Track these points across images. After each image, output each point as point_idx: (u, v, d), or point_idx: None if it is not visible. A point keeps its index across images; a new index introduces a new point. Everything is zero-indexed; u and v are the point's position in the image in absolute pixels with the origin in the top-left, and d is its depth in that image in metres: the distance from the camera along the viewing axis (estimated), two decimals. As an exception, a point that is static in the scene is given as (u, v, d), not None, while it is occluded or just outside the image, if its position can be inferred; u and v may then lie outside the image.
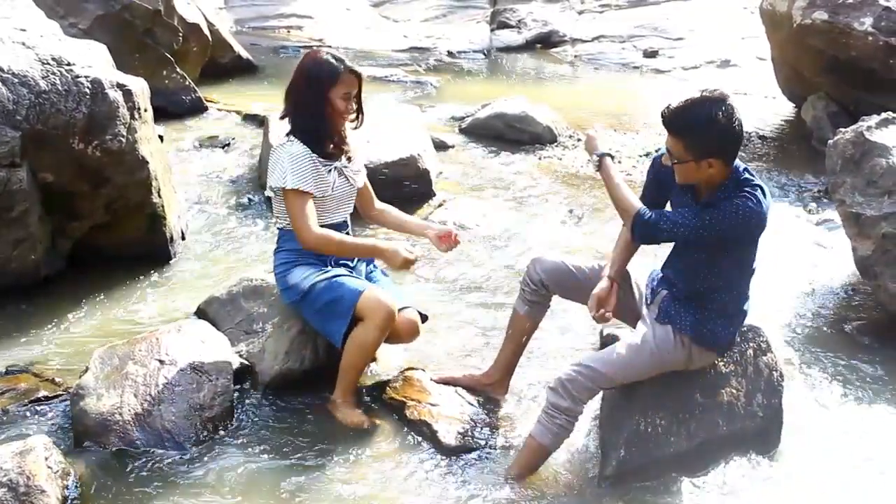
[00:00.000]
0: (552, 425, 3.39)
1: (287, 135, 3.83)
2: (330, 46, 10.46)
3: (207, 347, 3.85)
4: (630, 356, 3.41)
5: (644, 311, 3.57)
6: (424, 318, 3.95)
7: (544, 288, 3.75)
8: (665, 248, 3.65)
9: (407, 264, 3.80)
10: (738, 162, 3.30)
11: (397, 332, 3.79)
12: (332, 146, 3.82)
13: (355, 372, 3.76)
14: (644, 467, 3.47)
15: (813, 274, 5.26)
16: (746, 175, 3.28)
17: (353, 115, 3.83)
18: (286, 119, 3.85)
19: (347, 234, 3.96)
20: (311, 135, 3.76)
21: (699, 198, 3.36)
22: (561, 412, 3.37)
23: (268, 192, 3.89)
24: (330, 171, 3.80)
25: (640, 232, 3.37)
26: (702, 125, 3.16)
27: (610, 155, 3.48)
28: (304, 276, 3.78)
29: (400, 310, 3.75)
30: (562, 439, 3.45)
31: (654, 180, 3.58)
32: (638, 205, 3.36)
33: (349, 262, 3.90)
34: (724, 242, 3.27)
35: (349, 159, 3.91)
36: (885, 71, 7.07)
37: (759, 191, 3.24)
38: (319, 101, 3.72)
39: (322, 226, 3.77)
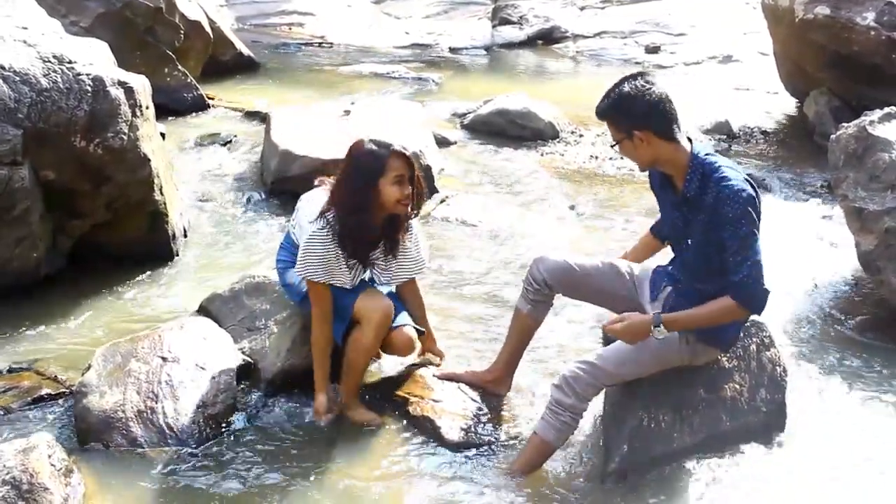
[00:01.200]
0: (556, 422, 3.38)
1: (323, 215, 3.59)
2: (332, 44, 10.54)
3: (210, 344, 3.86)
4: (634, 353, 3.40)
5: (648, 307, 3.56)
6: (420, 333, 3.94)
7: (547, 287, 3.74)
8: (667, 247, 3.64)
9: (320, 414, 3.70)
10: (697, 146, 3.30)
11: (394, 347, 3.82)
12: (361, 250, 3.65)
13: (357, 373, 3.75)
14: (647, 463, 3.47)
15: (816, 269, 5.24)
16: (710, 158, 3.28)
17: (408, 201, 3.58)
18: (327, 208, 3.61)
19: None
20: (346, 233, 3.57)
21: (677, 192, 3.36)
22: (565, 409, 3.37)
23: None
24: (355, 267, 3.68)
25: (754, 306, 3.29)
26: (616, 103, 3.28)
27: (662, 314, 3.37)
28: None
29: (395, 328, 3.75)
30: (566, 436, 3.44)
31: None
32: (728, 302, 3.26)
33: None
34: (759, 219, 3.24)
35: (394, 256, 3.75)
36: (888, 66, 7.05)
37: (726, 170, 3.23)
38: (367, 195, 3.52)
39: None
